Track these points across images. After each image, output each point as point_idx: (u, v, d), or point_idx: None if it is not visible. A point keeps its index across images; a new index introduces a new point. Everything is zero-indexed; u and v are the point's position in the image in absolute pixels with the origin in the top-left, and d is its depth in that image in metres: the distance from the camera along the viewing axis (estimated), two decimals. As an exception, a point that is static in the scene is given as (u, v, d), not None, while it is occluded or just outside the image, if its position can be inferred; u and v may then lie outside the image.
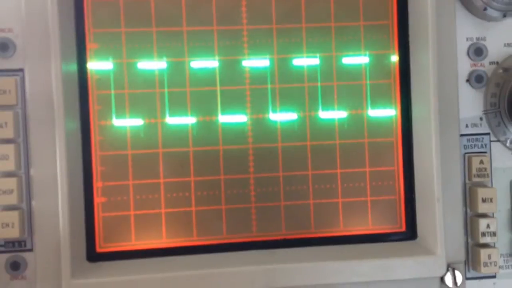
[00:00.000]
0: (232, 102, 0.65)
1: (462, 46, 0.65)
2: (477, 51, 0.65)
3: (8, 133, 0.59)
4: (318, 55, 0.65)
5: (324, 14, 0.65)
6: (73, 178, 0.60)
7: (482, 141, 0.66)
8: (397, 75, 0.66)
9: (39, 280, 0.59)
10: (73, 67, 0.61)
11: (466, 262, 0.65)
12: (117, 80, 0.63)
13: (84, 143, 0.62)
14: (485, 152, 0.66)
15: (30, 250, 0.60)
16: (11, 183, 0.59)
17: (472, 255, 0.65)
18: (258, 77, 0.65)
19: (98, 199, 0.63)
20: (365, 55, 0.66)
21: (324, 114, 0.65)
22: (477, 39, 0.66)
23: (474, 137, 0.66)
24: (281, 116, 0.65)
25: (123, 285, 0.59)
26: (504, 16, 0.64)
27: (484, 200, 0.64)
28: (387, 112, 0.66)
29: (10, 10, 0.60)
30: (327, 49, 0.66)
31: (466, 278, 0.64)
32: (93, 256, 0.62)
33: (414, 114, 0.65)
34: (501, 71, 0.65)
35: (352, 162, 0.66)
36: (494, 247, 0.64)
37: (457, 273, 0.63)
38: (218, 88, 0.64)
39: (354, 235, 0.66)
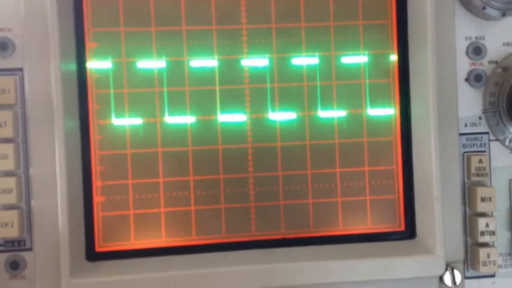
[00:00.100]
0: (231, 101, 0.64)
1: (461, 45, 0.65)
2: (476, 50, 0.66)
3: (7, 132, 0.59)
4: (317, 54, 0.65)
5: (323, 13, 0.65)
6: (72, 177, 0.60)
7: (481, 140, 0.66)
8: (396, 75, 0.66)
9: (38, 279, 0.59)
10: (72, 66, 0.61)
11: (465, 261, 0.65)
12: (117, 79, 0.63)
13: (83, 142, 0.62)
14: (484, 151, 0.66)
15: (30, 249, 0.60)
16: (10, 182, 0.59)
17: (471, 254, 0.65)
18: (257, 76, 0.65)
19: (97, 198, 0.63)
20: (364, 54, 0.66)
21: (323, 114, 0.65)
22: (476, 38, 0.66)
23: (473, 136, 0.66)
24: (280, 116, 0.65)
25: (122, 285, 0.59)
26: (503, 15, 0.64)
27: (483, 199, 0.64)
28: (386, 111, 0.66)
29: (10, 9, 0.60)
30: (326, 48, 0.65)
31: (465, 277, 0.64)
32: (93, 255, 0.62)
33: (413, 113, 0.65)
34: (500, 70, 0.65)
35: (351, 161, 0.66)
36: (493, 246, 0.64)
37: (456, 272, 0.63)
38: (218, 87, 0.64)
39: (353, 234, 0.66)
